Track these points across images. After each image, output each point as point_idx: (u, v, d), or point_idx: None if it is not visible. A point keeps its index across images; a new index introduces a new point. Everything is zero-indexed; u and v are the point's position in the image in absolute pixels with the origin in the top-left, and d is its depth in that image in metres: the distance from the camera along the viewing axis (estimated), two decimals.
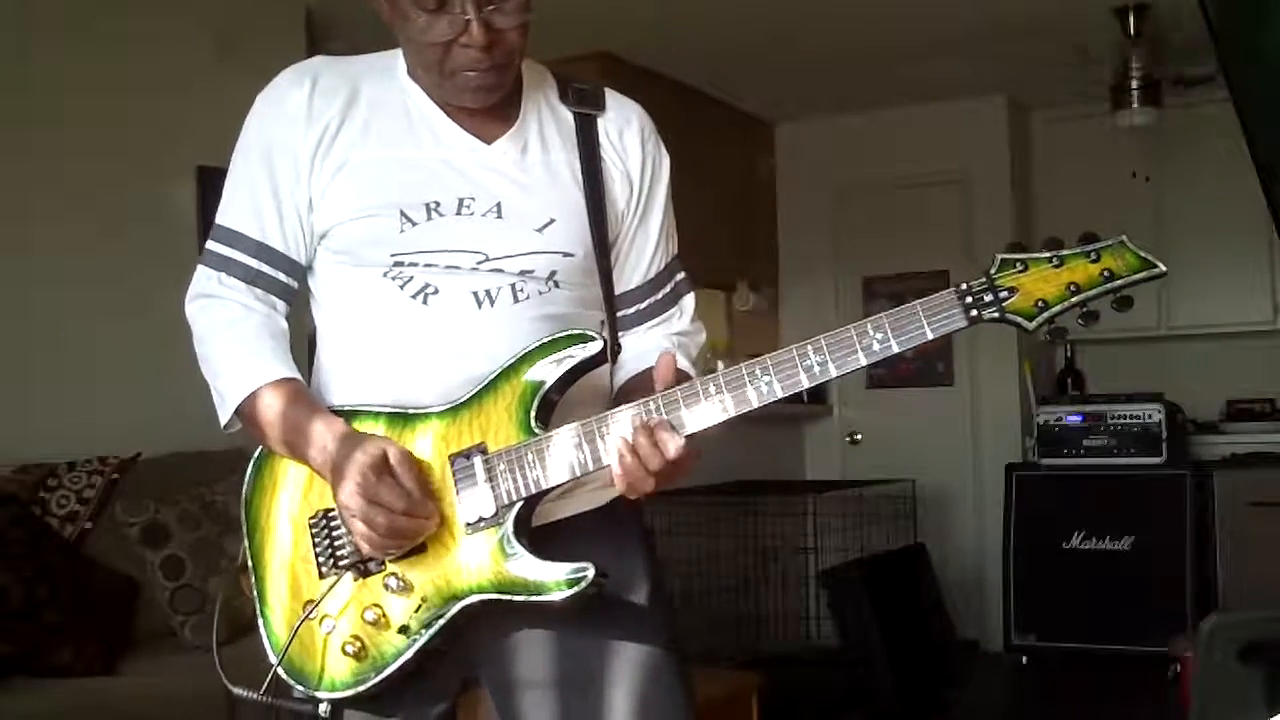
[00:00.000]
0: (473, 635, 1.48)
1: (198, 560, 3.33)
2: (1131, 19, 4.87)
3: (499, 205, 1.49)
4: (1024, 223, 6.11)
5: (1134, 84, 4.99)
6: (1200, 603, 5.02)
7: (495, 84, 1.47)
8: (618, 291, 1.61)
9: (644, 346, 1.62)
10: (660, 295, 1.64)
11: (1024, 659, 5.40)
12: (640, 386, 1.50)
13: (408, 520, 1.39)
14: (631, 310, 1.63)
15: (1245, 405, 5.95)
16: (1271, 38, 1.70)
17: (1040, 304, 1.31)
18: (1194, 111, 5.22)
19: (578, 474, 1.40)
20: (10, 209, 3.55)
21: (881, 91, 5.86)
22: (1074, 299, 1.31)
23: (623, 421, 1.38)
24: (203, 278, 1.56)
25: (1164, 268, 1.30)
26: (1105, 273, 1.30)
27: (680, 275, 1.67)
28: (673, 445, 1.34)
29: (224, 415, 1.52)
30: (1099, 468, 5.39)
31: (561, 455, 1.40)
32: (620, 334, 1.62)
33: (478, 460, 1.43)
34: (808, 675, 4.95)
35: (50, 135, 3.64)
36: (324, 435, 1.44)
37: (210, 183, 3.92)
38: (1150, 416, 5.36)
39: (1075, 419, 5.49)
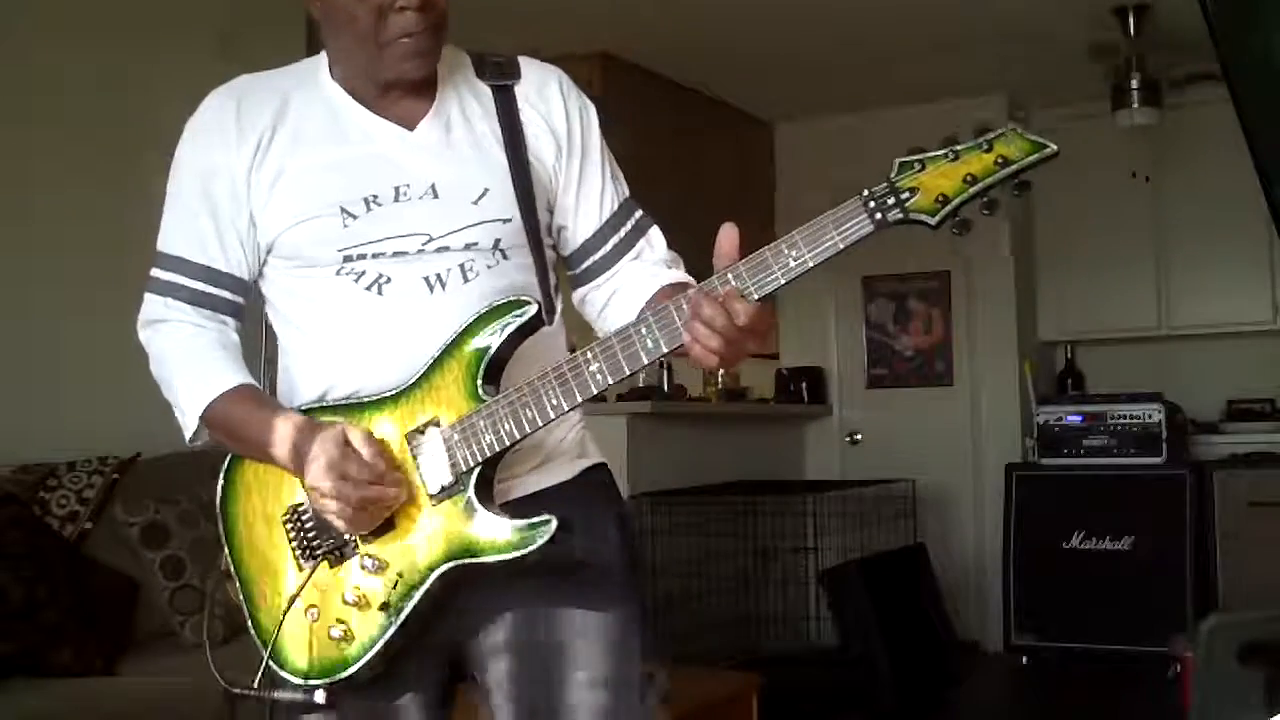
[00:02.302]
0: (456, 615, 1.51)
1: (198, 560, 3.33)
2: (1131, 19, 4.88)
3: (433, 186, 1.53)
4: (1024, 222, 6.10)
5: (1134, 84, 4.99)
6: (1200, 603, 5.03)
7: (431, 47, 1.51)
8: (579, 241, 1.65)
9: (626, 280, 1.64)
10: (623, 232, 1.66)
11: (1024, 659, 5.41)
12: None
13: (377, 489, 1.43)
14: (599, 254, 1.65)
15: (1245, 405, 5.95)
16: (1271, 38, 1.70)
17: (941, 199, 1.33)
18: (1194, 111, 5.22)
19: (528, 430, 1.43)
20: (10, 209, 3.55)
21: (881, 91, 5.86)
22: (973, 189, 1.33)
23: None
24: (150, 304, 1.61)
25: (1055, 147, 1.34)
26: (1000, 160, 1.33)
27: (639, 212, 1.69)
28: (743, 312, 1.33)
29: (188, 430, 1.58)
30: (1099, 468, 5.39)
31: (509, 415, 1.43)
32: (595, 282, 1.66)
33: (431, 432, 1.47)
34: (808, 675, 4.94)
35: (50, 135, 3.64)
36: (284, 429, 1.48)
37: None
38: (1150, 416, 5.36)
39: (1075, 419, 5.48)
